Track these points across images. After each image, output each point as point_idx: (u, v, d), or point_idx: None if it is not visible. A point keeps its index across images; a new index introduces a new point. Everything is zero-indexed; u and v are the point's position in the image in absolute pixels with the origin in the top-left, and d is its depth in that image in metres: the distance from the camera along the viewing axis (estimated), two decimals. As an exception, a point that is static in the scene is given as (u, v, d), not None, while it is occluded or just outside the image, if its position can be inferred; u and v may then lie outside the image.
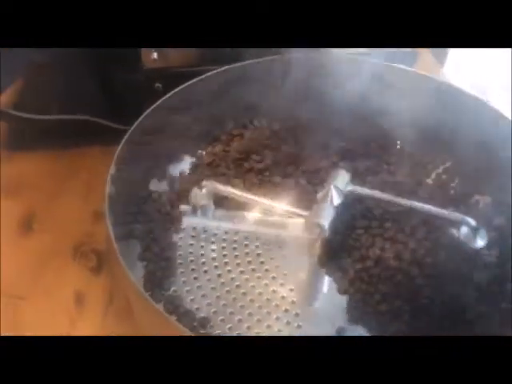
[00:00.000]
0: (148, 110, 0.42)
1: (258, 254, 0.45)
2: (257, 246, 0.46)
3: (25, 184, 0.61)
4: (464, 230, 0.38)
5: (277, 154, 0.49)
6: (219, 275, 0.43)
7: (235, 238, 0.46)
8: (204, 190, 0.43)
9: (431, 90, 0.48)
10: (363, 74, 0.48)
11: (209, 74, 0.46)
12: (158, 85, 0.51)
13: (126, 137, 0.41)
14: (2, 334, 0.45)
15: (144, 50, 0.49)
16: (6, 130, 0.67)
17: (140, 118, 0.41)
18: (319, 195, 0.40)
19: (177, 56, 0.50)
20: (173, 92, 0.43)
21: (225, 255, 0.45)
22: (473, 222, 0.38)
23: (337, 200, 0.39)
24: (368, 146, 0.50)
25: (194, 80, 0.45)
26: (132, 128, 0.41)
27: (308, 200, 0.43)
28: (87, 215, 0.58)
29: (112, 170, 0.39)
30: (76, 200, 0.60)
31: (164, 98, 0.42)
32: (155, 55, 0.49)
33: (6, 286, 0.51)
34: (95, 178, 0.62)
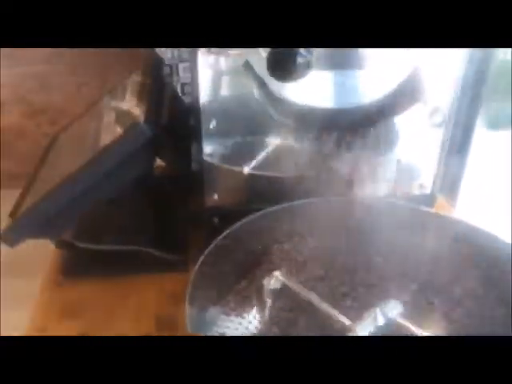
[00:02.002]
0: (213, 244, 0.49)
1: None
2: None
3: (82, 306, 0.67)
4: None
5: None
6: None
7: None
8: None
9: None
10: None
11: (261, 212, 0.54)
12: (215, 219, 0.59)
13: (196, 268, 0.48)
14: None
15: (208, 191, 0.58)
16: (67, 259, 0.74)
17: (207, 251, 0.48)
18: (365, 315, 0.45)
19: (233, 196, 0.59)
20: (235, 226, 0.51)
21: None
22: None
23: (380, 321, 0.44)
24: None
25: (251, 217, 0.53)
26: (199, 262, 0.48)
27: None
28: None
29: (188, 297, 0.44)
30: (127, 321, 0.65)
31: (226, 233, 0.50)
32: (216, 196, 0.58)
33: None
34: (144, 302, 0.68)
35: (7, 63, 1.80)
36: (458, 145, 0.63)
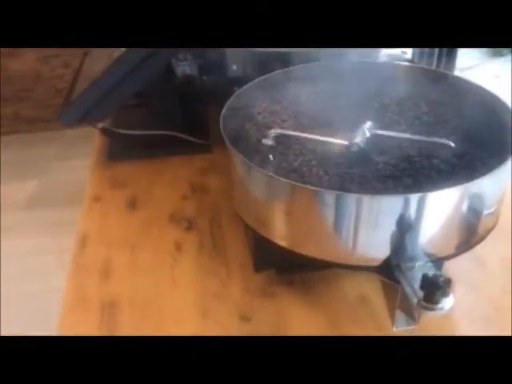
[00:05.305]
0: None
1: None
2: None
3: (126, 181, 0.81)
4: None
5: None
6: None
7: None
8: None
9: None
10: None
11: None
12: (235, 88, 0.71)
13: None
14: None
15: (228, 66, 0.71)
16: (109, 144, 0.88)
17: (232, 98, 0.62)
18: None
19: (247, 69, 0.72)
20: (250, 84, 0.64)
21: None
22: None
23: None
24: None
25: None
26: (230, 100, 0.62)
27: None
28: (176, 197, 0.77)
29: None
30: (167, 188, 0.79)
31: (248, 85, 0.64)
32: (234, 67, 0.71)
33: (122, 238, 0.69)
34: (178, 174, 0.81)
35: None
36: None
